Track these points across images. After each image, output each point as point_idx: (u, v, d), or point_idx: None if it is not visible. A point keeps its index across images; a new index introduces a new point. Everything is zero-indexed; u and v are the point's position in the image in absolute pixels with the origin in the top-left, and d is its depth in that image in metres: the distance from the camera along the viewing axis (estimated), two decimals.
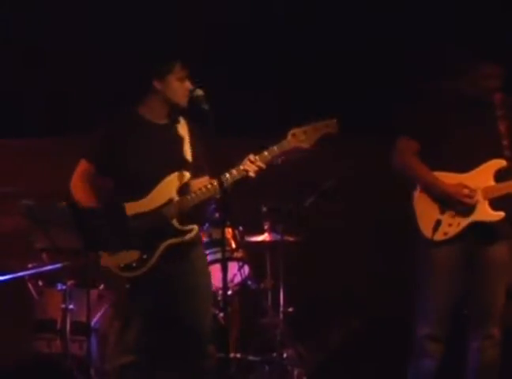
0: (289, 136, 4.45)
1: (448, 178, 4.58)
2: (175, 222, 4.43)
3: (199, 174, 4.54)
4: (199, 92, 4.35)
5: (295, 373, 5.54)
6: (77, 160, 4.59)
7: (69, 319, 5.44)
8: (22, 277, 5.57)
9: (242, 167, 4.38)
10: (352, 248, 6.46)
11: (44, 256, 5.56)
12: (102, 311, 5.56)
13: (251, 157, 4.41)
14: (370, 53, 6.33)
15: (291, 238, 5.80)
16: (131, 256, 4.41)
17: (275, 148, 4.44)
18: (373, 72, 6.30)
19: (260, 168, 4.39)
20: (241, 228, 5.78)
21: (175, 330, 4.53)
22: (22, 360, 5.52)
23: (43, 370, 5.26)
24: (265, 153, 4.43)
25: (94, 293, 5.59)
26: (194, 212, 4.45)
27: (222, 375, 4.48)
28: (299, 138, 4.44)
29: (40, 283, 5.68)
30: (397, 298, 5.17)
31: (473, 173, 4.57)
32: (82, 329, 5.32)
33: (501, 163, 4.56)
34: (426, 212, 4.62)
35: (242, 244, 5.72)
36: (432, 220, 4.58)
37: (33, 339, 5.64)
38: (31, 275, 5.61)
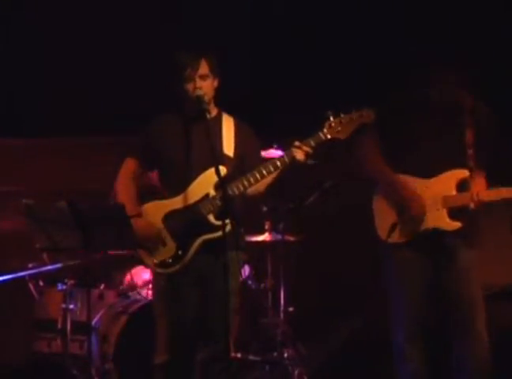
0: (325, 128, 4.26)
1: (409, 182, 4.55)
2: (211, 217, 4.31)
3: (245, 170, 4.33)
4: (199, 92, 4.33)
5: (296, 372, 5.54)
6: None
7: (69, 319, 5.43)
8: (22, 277, 5.56)
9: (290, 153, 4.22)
10: (353, 248, 6.45)
11: (45, 256, 5.57)
12: (102, 311, 5.56)
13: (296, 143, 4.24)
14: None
15: (291, 238, 5.80)
16: (167, 252, 4.32)
17: (310, 140, 4.26)
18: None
19: (307, 152, 4.22)
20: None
21: (199, 330, 4.41)
22: (22, 360, 5.52)
23: (43, 370, 5.25)
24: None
25: (94, 293, 5.60)
26: (232, 207, 4.21)
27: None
28: (335, 129, 4.25)
29: (41, 282, 5.69)
30: None
31: (435, 180, 4.54)
32: (82, 329, 5.30)
33: (463, 173, 4.52)
34: (383, 213, 4.61)
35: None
36: (388, 222, 4.56)
37: (33, 339, 5.65)
38: (31, 275, 5.61)
